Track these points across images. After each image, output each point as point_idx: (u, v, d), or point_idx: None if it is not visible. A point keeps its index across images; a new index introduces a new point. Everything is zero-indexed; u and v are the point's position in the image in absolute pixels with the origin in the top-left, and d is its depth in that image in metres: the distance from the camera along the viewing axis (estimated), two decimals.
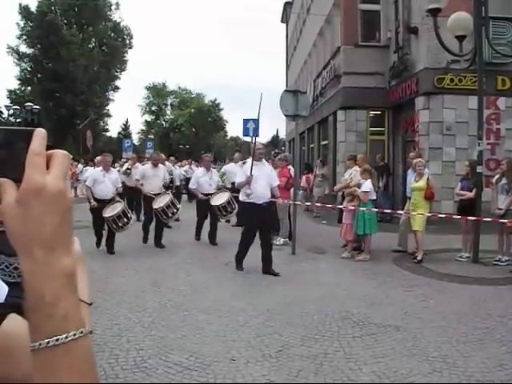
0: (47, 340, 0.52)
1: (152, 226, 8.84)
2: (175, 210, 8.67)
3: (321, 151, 18.81)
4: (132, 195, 11.11)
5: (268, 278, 6.52)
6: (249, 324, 4.64)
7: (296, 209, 8.70)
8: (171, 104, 60.40)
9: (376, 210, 8.10)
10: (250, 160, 7.20)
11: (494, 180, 7.62)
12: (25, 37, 37.56)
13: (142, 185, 9.01)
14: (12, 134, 0.56)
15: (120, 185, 8.62)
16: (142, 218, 9.82)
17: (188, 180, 14.35)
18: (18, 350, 0.66)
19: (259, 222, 6.66)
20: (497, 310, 5.03)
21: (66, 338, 0.53)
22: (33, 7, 37.02)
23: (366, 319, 4.77)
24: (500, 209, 7.15)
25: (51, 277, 0.53)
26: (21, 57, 38.34)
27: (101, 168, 8.44)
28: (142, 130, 59.79)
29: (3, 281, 0.83)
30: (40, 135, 0.55)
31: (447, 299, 5.53)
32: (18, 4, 37.61)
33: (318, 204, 12.27)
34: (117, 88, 43.90)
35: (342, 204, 8.54)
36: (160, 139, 53.40)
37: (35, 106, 25.60)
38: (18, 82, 39.58)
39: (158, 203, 8.51)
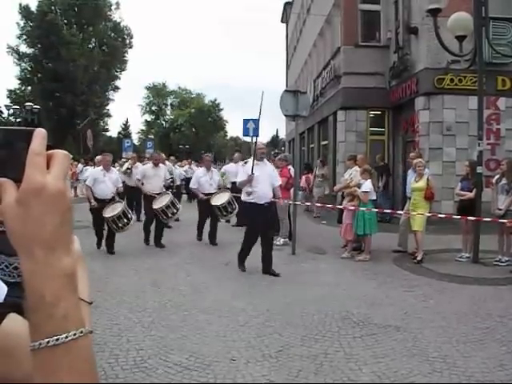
0: (47, 340, 0.52)
1: (152, 226, 8.83)
2: (175, 211, 8.66)
3: (321, 151, 18.81)
4: (132, 195, 11.11)
5: (268, 278, 6.52)
6: (249, 324, 4.64)
7: (296, 209, 8.70)
8: (171, 104, 60.43)
9: (376, 210, 8.10)
10: (251, 160, 7.18)
11: (493, 180, 7.62)
12: (25, 37, 37.58)
13: (142, 184, 9.01)
14: (12, 133, 0.56)
15: (121, 184, 8.62)
16: (142, 218, 9.83)
17: (187, 180, 14.37)
18: (18, 350, 0.66)
19: (261, 222, 6.65)
20: (497, 310, 5.02)
21: (66, 337, 0.53)
22: (33, 7, 37.14)
23: (367, 319, 4.77)
24: (500, 209, 7.15)
25: (51, 277, 0.53)
26: (21, 57, 38.36)
27: (101, 167, 8.43)
28: (142, 130, 59.83)
29: (3, 281, 0.83)
30: (40, 135, 0.55)
31: (447, 299, 5.53)
32: (18, 4, 37.72)
33: (317, 204, 12.27)
34: (117, 88, 43.97)
35: (341, 204, 8.53)
36: (160, 139, 53.42)
37: (35, 106, 25.59)
38: (18, 82, 39.66)
39: (158, 203, 8.51)
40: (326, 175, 14.13)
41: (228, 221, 10.79)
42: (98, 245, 8.27)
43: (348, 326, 4.59)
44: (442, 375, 3.52)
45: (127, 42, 42.75)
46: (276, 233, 8.92)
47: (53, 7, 37.30)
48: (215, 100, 60.67)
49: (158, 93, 58.70)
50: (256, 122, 11.20)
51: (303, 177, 14.27)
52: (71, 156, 0.63)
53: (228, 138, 70.34)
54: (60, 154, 0.56)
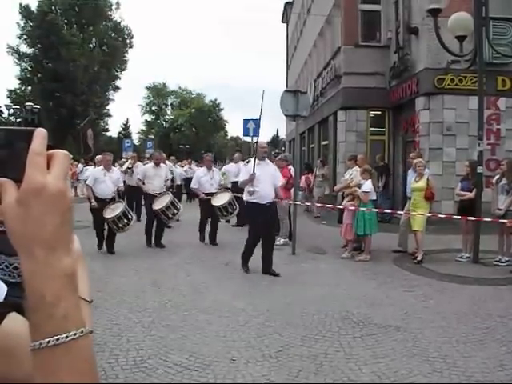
0: (47, 339, 0.52)
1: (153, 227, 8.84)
2: (175, 211, 8.64)
3: (321, 151, 18.82)
4: (132, 195, 11.10)
5: (268, 278, 6.52)
6: (249, 324, 4.64)
7: (296, 209, 8.70)
8: (171, 104, 60.42)
9: (376, 210, 8.10)
10: (253, 159, 7.16)
11: (494, 180, 7.62)
12: (25, 36, 37.54)
13: (143, 184, 9.01)
14: (12, 133, 0.56)
15: (121, 184, 8.61)
16: (143, 218, 9.82)
17: (187, 180, 14.38)
18: (18, 350, 0.66)
19: (263, 222, 6.64)
20: (497, 311, 5.02)
21: (67, 337, 0.53)
22: (33, 7, 37.08)
23: (367, 319, 4.77)
24: (500, 209, 7.15)
25: (52, 277, 0.53)
26: (21, 56, 38.34)
27: (102, 167, 8.42)
28: (142, 130, 59.80)
29: (3, 281, 0.83)
30: (40, 135, 0.55)
31: (447, 299, 5.53)
32: (18, 4, 37.61)
33: (318, 204, 12.27)
34: (117, 88, 43.91)
35: (341, 204, 8.53)
36: (160, 139, 53.40)
37: (35, 106, 25.59)
38: (18, 82, 39.61)
39: (158, 204, 8.50)
40: (326, 175, 14.13)
41: (228, 221, 10.79)
42: (99, 246, 8.25)
43: (348, 326, 4.59)
44: (442, 375, 3.52)
45: (127, 41, 42.72)
46: (276, 233, 8.93)
47: (53, 7, 37.28)
48: (215, 100, 60.74)
49: (158, 93, 58.68)
50: (257, 121, 11.19)
51: (303, 177, 14.27)
52: (71, 156, 0.63)
53: (228, 137, 70.33)
54: (60, 154, 0.56)
